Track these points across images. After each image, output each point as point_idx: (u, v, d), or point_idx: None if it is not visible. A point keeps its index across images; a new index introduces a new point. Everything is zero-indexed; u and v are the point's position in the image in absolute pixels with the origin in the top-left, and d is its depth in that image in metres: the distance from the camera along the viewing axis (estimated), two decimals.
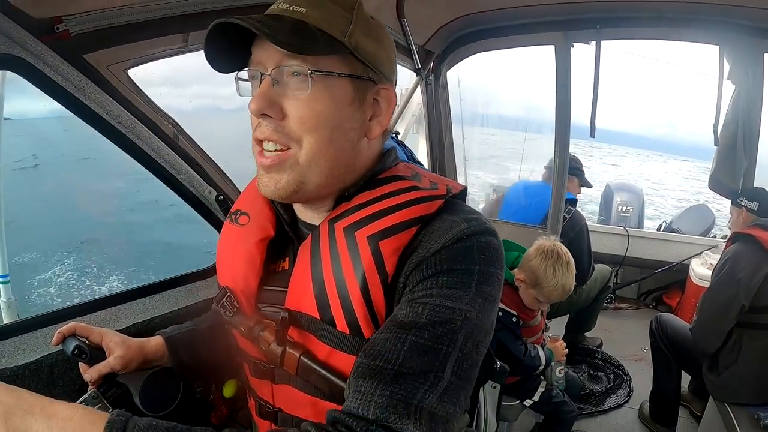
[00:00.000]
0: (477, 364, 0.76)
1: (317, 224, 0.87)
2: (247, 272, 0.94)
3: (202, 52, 0.80)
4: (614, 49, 2.72)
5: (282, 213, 0.93)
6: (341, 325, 0.80)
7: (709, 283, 3.61)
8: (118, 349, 0.97)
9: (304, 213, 0.93)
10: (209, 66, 0.81)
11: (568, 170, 2.87)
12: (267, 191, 0.83)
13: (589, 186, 3.66)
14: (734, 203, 2.56)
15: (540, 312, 2.16)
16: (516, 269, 2.10)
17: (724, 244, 2.66)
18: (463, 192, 0.90)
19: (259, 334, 0.89)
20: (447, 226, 0.79)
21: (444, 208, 0.82)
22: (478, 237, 0.79)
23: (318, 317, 0.82)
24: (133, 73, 1.31)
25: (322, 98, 0.78)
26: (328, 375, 0.83)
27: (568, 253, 2.03)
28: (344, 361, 0.82)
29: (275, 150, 0.81)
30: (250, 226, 0.96)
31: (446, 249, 0.77)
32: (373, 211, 0.81)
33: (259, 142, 0.82)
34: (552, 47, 2.57)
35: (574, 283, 2.03)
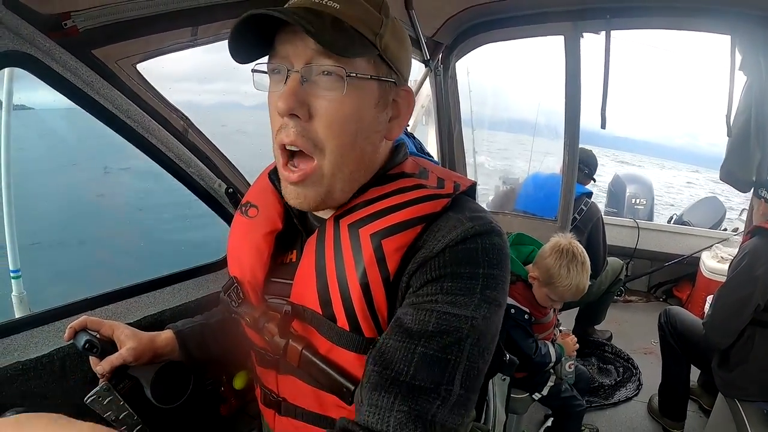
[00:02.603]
0: (483, 373, 0.76)
1: (325, 218, 0.87)
2: (255, 264, 0.94)
3: (222, 46, 0.78)
4: (626, 39, 2.67)
5: (291, 207, 0.92)
6: (341, 321, 0.80)
7: (718, 277, 3.60)
8: (129, 342, 0.98)
9: None
10: (232, 62, 0.80)
11: (578, 165, 2.84)
12: (295, 203, 0.83)
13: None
14: (755, 194, 2.48)
15: (552, 309, 2.14)
16: (530, 265, 2.07)
17: (741, 237, 2.58)
18: (472, 188, 0.88)
19: (264, 325, 0.90)
20: (451, 225, 0.77)
21: (450, 206, 0.80)
22: (483, 238, 0.77)
23: (320, 312, 0.83)
24: (142, 67, 1.31)
25: (352, 101, 0.77)
26: (328, 369, 0.83)
27: (584, 252, 2.00)
28: (344, 357, 0.82)
29: (299, 165, 0.80)
30: (258, 219, 0.96)
31: (450, 249, 0.75)
32: (378, 208, 0.81)
33: (283, 146, 0.80)
34: (561, 38, 2.54)
35: (589, 282, 2.01)
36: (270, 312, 0.92)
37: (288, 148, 0.79)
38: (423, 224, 0.78)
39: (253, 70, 0.83)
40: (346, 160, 0.80)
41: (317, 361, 0.84)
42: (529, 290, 2.04)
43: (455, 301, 0.73)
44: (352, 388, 0.81)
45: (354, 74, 0.76)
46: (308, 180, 0.80)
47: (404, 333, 0.73)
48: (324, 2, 0.76)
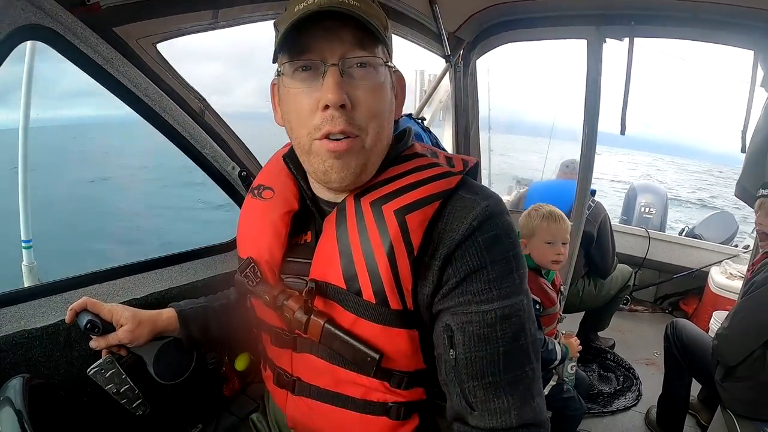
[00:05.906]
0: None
1: (336, 201, 0.91)
2: (272, 244, 0.96)
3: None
4: (646, 47, 2.65)
5: (305, 189, 0.96)
6: (368, 294, 0.83)
7: (726, 293, 3.57)
8: (127, 324, 0.99)
9: (323, 192, 0.94)
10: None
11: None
12: (338, 177, 0.84)
13: None
14: (761, 196, 2.39)
15: (558, 299, 2.13)
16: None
17: (750, 254, 2.50)
18: (476, 166, 0.93)
19: (283, 303, 0.92)
20: (469, 205, 0.82)
21: (461, 185, 0.85)
22: (499, 218, 0.83)
23: (344, 287, 0.85)
24: (162, 47, 1.32)
25: (381, 87, 0.84)
26: (352, 341, 0.85)
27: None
28: (368, 329, 0.85)
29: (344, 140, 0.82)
30: (275, 200, 0.98)
31: (479, 235, 0.81)
32: (398, 186, 0.86)
33: (325, 137, 0.81)
34: (584, 41, 2.52)
35: (570, 223, 2.05)
36: (288, 290, 0.94)
37: (333, 138, 0.81)
38: (441, 200, 0.83)
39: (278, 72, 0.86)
40: (381, 138, 0.86)
41: (340, 334, 0.86)
42: (536, 277, 2.04)
43: (506, 293, 0.81)
44: (377, 356, 0.84)
45: (385, 62, 0.84)
46: (352, 149, 0.82)
47: (480, 341, 0.80)
48: (347, 1, 0.79)
